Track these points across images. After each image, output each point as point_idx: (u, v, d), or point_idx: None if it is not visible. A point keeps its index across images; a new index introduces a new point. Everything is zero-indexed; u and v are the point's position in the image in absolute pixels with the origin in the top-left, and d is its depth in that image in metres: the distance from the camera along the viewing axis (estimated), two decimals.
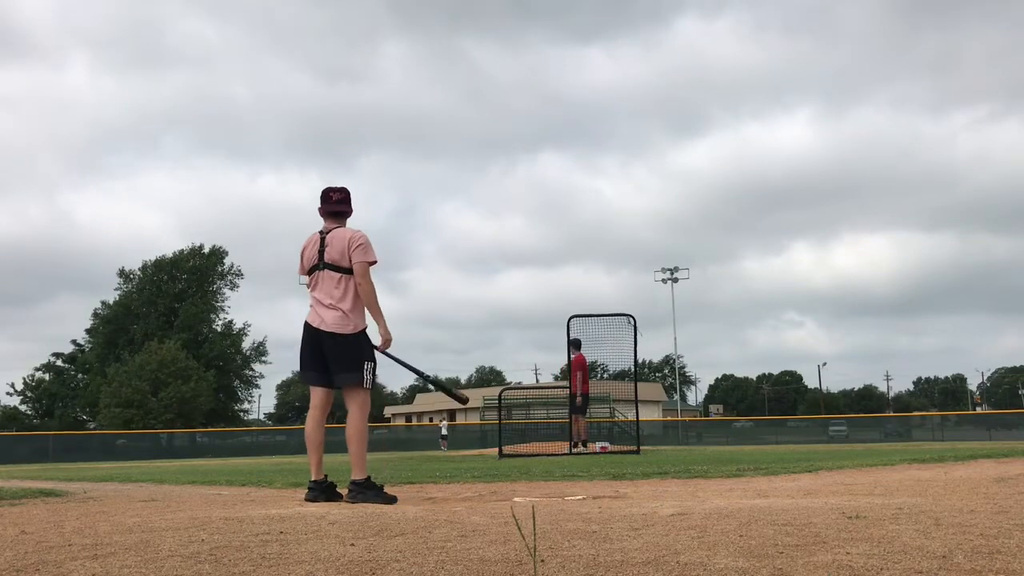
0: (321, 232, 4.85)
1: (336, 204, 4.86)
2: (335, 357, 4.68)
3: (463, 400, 5.48)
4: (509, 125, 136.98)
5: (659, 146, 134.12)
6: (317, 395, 4.81)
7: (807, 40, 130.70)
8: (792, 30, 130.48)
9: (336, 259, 4.71)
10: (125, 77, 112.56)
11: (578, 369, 14.26)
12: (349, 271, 4.71)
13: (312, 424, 4.84)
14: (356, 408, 4.71)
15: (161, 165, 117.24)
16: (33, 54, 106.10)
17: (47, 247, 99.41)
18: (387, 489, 4.76)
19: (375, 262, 4.75)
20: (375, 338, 4.86)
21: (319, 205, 4.90)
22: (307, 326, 4.74)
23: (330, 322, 4.65)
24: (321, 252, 4.75)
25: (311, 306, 4.77)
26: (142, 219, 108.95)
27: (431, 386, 5.26)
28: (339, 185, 4.93)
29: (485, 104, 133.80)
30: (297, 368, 4.94)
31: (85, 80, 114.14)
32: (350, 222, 4.95)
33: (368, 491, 4.56)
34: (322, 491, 4.68)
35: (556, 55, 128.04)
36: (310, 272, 4.81)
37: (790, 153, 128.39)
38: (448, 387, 5.70)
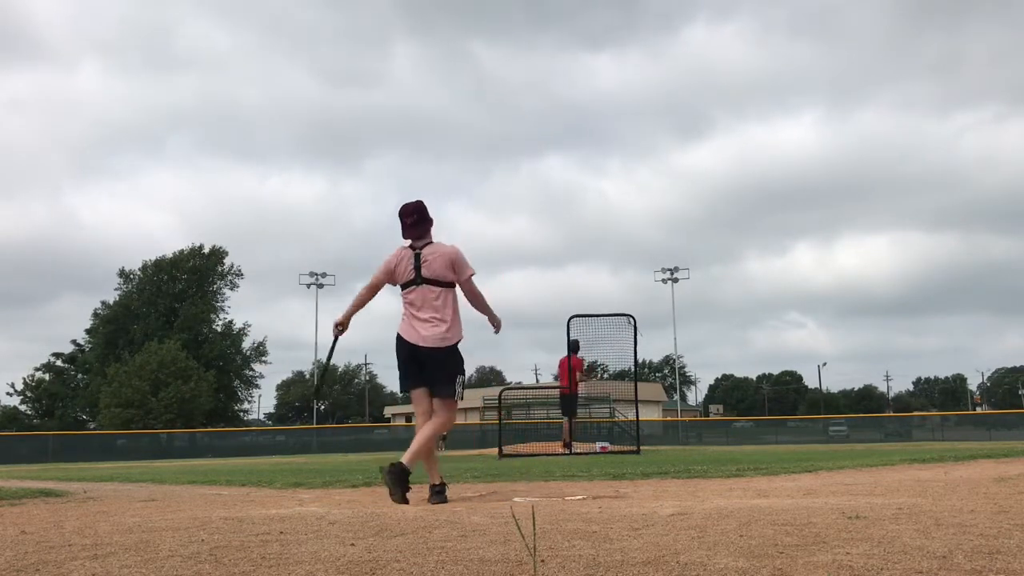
0: (412, 248, 4.86)
1: (412, 226, 4.88)
2: (434, 369, 4.74)
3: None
4: (513, 127, 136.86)
5: (662, 148, 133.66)
6: (424, 402, 4.82)
7: (812, 43, 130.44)
8: (797, 33, 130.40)
9: (438, 274, 4.77)
10: (135, 80, 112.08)
11: (576, 370, 14.31)
12: (448, 285, 4.80)
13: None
14: (440, 416, 4.77)
15: (166, 166, 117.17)
16: (44, 57, 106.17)
17: (49, 247, 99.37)
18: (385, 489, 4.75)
19: (474, 273, 4.88)
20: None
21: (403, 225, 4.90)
22: (404, 341, 4.77)
23: (432, 337, 4.71)
24: (418, 268, 4.78)
25: (406, 319, 4.80)
26: (146, 219, 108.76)
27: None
28: (412, 201, 4.91)
29: (490, 106, 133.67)
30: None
31: (95, 83, 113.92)
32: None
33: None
34: (435, 493, 4.63)
35: (563, 60, 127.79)
36: (404, 287, 4.84)
37: (793, 154, 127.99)
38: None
